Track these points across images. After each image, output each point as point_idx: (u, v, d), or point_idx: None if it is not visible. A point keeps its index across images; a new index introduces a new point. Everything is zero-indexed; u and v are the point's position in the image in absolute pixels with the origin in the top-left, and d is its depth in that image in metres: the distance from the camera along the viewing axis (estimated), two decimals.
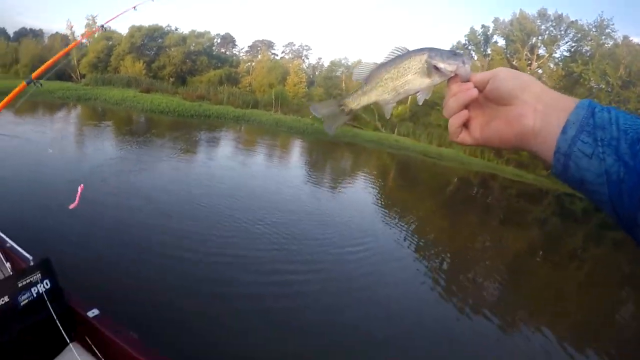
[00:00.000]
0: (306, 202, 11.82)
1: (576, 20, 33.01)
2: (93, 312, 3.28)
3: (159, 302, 5.54)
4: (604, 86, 30.73)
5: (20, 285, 2.97)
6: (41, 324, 3.01)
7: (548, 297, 8.01)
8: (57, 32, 51.35)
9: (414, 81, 0.79)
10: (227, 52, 55.28)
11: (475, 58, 35.97)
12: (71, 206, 4.05)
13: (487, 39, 37.46)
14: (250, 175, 14.92)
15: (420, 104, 0.83)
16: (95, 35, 43.18)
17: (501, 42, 36.59)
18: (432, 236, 10.64)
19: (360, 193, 14.37)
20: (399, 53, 0.80)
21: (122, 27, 47.92)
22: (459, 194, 17.55)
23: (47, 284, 3.12)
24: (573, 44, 33.64)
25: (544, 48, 34.35)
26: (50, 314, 2.99)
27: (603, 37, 31.91)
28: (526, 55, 34.03)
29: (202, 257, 7.19)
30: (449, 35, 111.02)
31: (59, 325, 2.96)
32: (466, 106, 0.74)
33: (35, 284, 3.05)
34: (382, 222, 10.92)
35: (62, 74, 41.24)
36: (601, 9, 61.54)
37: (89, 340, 3.22)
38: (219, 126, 26.93)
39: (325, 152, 24.52)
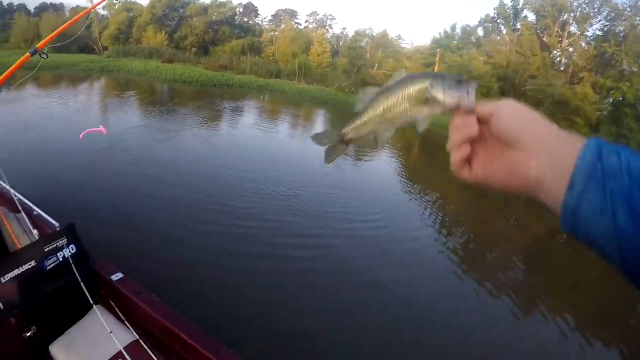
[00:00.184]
0: (329, 173, 11.74)
1: None
2: (117, 276, 3.41)
3: (179, 271, 5.68)
4: (636, 69, 29.20)
5: (47, 250, 3.08)
6: (67, 287, 3.13)
7: (569, 281, 7.80)
8: (77, 6, 51.43)
9: (412, 111, 0.74)
10: (250, 22, 54.96)
11: (505, 32, 34.77)
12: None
13: (517, 13, 35.99)
14: (273, 145, 14.95)
15: (420, 132, 0.76)
16: (112, 7, 43.45)
17: (532, 17, 34.97)
18: (455, 211, 10.61)
19: (383, 166, 14.35)
20: (402, 77, 0.75)
21: None
22: None
23: (72, 248, 3.24)
24: (606, 24, 31.71)
25: (576, 26, 32.60)
26: (76, 277, 3.12)
27: (638, 19, 30.08)
28: (557, 32, 32.49)
29: (223, 227, 7.24)
30: (478, 7, 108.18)
31: (84, 288, 3.07)
32: (469, 141, 0.67)
33: (61, 248, 3.17)
34: (405, 196, 10.92)
35: (84, 46, 42.02)
36: None
37: (112, 302, 3.37)
38: (242, 96, 26.85)
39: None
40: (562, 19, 32.61)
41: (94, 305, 3.17)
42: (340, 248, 7.26)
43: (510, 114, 0.62)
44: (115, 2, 46.28)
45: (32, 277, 2.97)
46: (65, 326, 3.13)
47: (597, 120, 27.42)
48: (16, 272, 2.89)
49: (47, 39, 2.80)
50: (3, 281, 2.82)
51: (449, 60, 32.75)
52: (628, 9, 30.66)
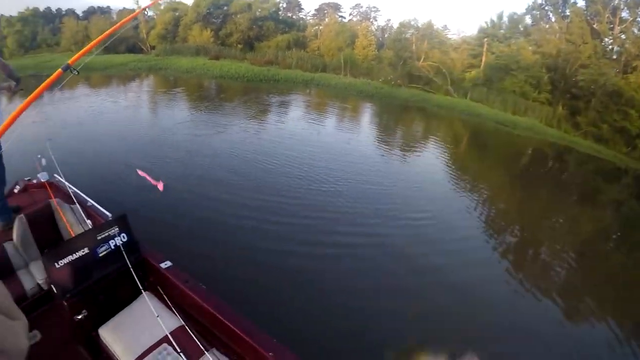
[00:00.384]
0: (376, 166, 11.91)
1: None
2: (165, 264, 3.59)
3: (228, 261, 5.95)
4: None
5: (99, 238, 3.24)
6: (118, 273, 3.30)
7: (618, 286, 7.53)
8: (124, 8, 53.81)
9: None
10: (294, 17, 54.82)
11: (553, 20, 33.81)
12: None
13: None
14: (321, 138, 15.06)
15: None
16: (157, 7, 44.90)
17: (581, 3, 33.59)
18: (502, 209, 10.45)
19: (430, 160, 14.24)
20: None
21: None
22: (532, 167, 16.78)
23: (123, 237, 3.40)
24: None
25: (628, 11, 30.66)
26: (126, 264, 3.25)
27: None
28: (608, 18, 31.03)
29: (268, 218, 7.50)
30: None
31: (134, 274, 3.17)
32: None
33: (113, 237, 3.33)
34: (452, 191, 10.86)
35: (133, 46, 43.63)
36: None
37: (160, 289, 3.53)
38: (288, 90, 27.14)
39: (396, 116, 24.22)
40: (612, 4, 30.92)
41: (142, 291, 3.29)
42: (395, 241, 7.39)
43: None
44: (160, 2, 47.74)
45: (84, 263, 3.11)
46: (114, 310, 3.29)
47: None
48: (70, 258, 3.02)
49: (78, 54, 2.81)
50: (57, 266, 2.96)
51: (497, 50, 31.97)
52: None
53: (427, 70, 32.12)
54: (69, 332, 3.13)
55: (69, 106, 16.95)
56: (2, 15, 51.84)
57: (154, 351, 2.89)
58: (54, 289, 2.98)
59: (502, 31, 35.40)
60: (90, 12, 55.17)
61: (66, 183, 4.80)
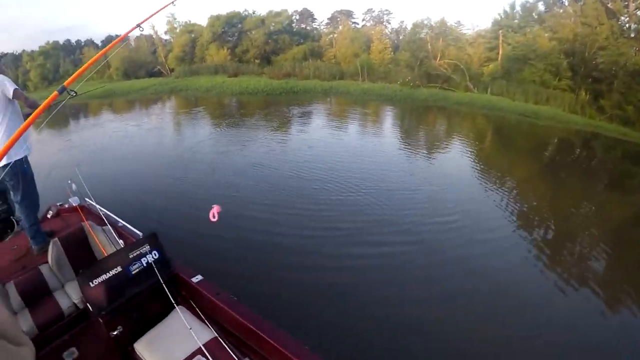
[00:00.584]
0: (401, 170, 12.01)
1: None
2: (197, 278, 3.66)
3: (257, 273, 6.06)
4: None
5: (131, 256, 3.36)
6: (151, 290, 3.41)
7: None
8: (141, 34, 54.92)
9: None
10: (307, 27, 55.08)
11: (567, 4, 33.34)
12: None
13: None
14: (344, 145, 15.17)
15: None
16: (172, 30, 46.87)
17: None
18: (532, 203, 10.27)
19: (456, 159, 14.17)
20: None
21: (201, 20, 50.17)
22: (559, 157, 16.49)
23: (155, 254, 3.50)
24: None
25: None
26: (159, 280, 3.35)
27: None
28: None
29: (295, 230, 7.61)
30: None
31: (166, 290, 3.24)
32: None
33: (144, 254, 3.46)
34: (480, 189, 10.78)
35: (153, 71, 45.27)
36: None
37: (193, 303, 3.59)
38: (308, 100, 27.38)
39: (417, 117, 24.14)
40: None
41: (175, 306, 3.34)
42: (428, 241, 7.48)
43: None
44: (175, 26, 49.25)
45: (118, 280, 3.22)
46: (149, 325, 3.36)
47: None
48: (103, 277, 3.14)
49: (71, 77, 2.89)
50: (92, 286, 3.07)
51: (512, 41, 31.48)
52: None
53: (444, 69, 31.97)
54: (106, 348, 3.27)
55: (94, 133, 17.74)
56: (23, 50, 54.24)
57: None
58: (89, 307, 3.10)
59: (516, 21, 34.93)
60: (109, 40, 56.87)
61: (97, 205, 4.96)
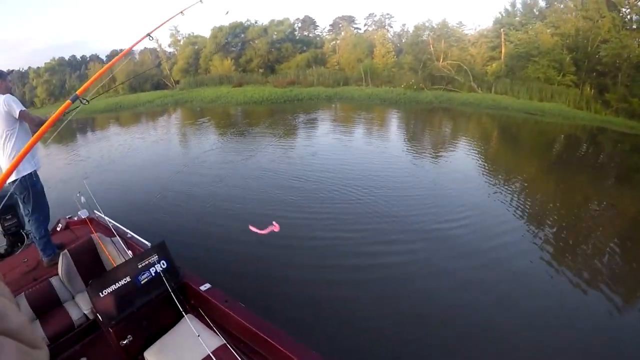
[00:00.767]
0: (408, 173, 11.95)
1: None
2: (205, 287, 3.67)
3: (265, 281, 6.00)
4: None
5: (140, 266, 3.40)
6: (160, 299, 3.45)
7: None
8: (145, 47, 56.45)
9: None
10: (310, 35, 55.57)
11: None
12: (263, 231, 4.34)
13: None
14: (349, 150, 15.15)
15: None
16: (176, 43, 47.55)
17: None
18: (541, 201, 10.06)
19: (462, 160, 14.01)
20: None
21: (204, 31, 50.68)
22: (567, 154, 16.28)
23: (163, 264, 3.54)
24: None
25: None
26: (167, 289, 3.40)
27: None
28: None
29: (302, 240, 7.43)
30: None
31: (175, 299, 3.29)
32: None
33: (153, 264, 3.51)
34: (488, 190, 10.58)
35: (158, 83, 45.88)
36: None
37: (201, 311, 3.62)
38: (313, 107, 27.45)
39: (422, 119, 24.03)
40: None
41: (184, 314, 3.36)
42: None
43: None
44: (179, 38, 49.81)
45: (127, 290, 3.27)
46: (158, 334, 3.39)
47: None
48: (113, 287, 3.18)
49: (84, 86, 2.93)
50: (101, 296, 3.11)
51: (514, 38, 31.33)
52: None
53: (448, 70, 31.90)
54: (116, 357, 3.28)
55: (101, 146, 17.94)
56: (29, 67, 55.17)
57: None
58: (99, 317, 3.15)
59: (517, 18, 34.83)
60: (114, 55, 57.91)
61: (105, 217, 4.97)
